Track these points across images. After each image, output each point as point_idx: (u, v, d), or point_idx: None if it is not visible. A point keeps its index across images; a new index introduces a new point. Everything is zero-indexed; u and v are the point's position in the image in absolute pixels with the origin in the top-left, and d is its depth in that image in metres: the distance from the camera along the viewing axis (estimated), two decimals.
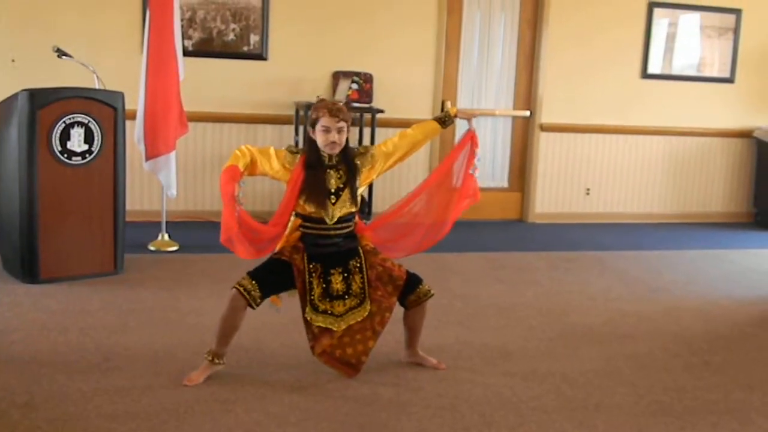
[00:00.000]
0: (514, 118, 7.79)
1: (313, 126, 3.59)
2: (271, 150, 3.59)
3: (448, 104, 7.45)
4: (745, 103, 8.15)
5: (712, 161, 8.24)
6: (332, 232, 3.62)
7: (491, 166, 7.82)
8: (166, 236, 6.01)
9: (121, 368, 3.66)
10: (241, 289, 3.48)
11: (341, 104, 3.67)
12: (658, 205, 8.17)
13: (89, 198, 4.99)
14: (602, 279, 5.76)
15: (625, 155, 7.98)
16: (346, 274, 3.63)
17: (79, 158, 4.91)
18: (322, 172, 3.59)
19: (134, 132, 5.61)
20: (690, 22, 7.96)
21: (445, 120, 3.88)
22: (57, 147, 4.81)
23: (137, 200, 6.54)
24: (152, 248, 5.92)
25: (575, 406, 3.49)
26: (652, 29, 7.82)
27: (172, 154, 5.69)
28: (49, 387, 3.40)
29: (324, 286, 3.61)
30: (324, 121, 3.53)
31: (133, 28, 6.57)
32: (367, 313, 3.62)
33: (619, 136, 7.90)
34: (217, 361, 3.56)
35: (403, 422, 3.25)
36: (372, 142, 6.96)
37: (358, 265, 3.66)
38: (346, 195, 3.62)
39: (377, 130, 6.99)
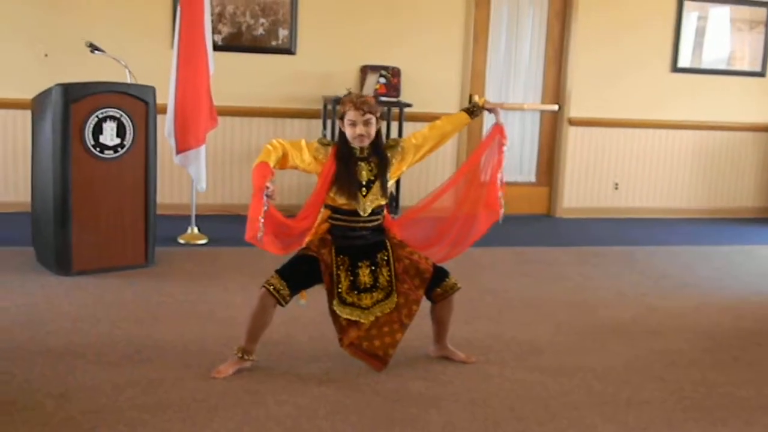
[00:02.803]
0: (543, 112, 7.76)
1: (342, 119, 3.61)
2: (303, 143, 3.61)
3: (476, 98, 7.40)
4: None
5: (743, 155, 8.17)
6: (362, 225, 3.64)
7: (519, 161, 7.80)
8: (195, 229, 6.06)
9: (152, 360, 3.70)
10: (270, 288, 3.51)
11: (369, 97, 3.68)
12: (687, 199, 8.11)
13: (121, 191, 5.05)
14: (631, 274, 5.73)
15: (655, 150, 7.92)
16: (373, 267, 3.65)
17: (111, 152, 4.96)
18: (353, 164, 3.61)
19: (165, 126, 5.66)
20: (720, 15, 7.88)
21: (473, 111, 3.89)
22: (90, 141, 4.87)
23: (167, 194, 6.59)
24: (182, 241, 5.97)
25: (605, 402, 3.48)
26: (682, 22, 7.75)
27: (202, 148, 5.73)
28: (83, 378, 3.45)
29: (351, 278, 3.62)
30: (350, 114, 3.55)
31: (164, 23, 6.63)
32: (394, 306, 3.63)
33: (648, 130, 7.85)
34: (246, 357, 3.59)
35: (432, 416, 3.26)
36: (399, 136, 6.96)
37: (386, 258, 3.67)
38: (376, 187, 3.64)
39: (405, 124, 7.00)
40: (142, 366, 3.62)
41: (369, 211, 3.62)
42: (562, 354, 4.04)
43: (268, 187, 3.32)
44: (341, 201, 3.60)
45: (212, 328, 4.15)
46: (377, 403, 3.37)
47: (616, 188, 7.90)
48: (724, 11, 7.87)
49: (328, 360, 3.78)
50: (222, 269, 5.31)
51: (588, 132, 7.74)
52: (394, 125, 7.03)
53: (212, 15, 6.09)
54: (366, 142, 3.61)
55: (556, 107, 7.56)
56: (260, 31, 6.91)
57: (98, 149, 4.91)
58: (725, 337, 4.44)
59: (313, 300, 3.76)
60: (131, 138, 5.02)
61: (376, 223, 3.68)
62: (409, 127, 7.06)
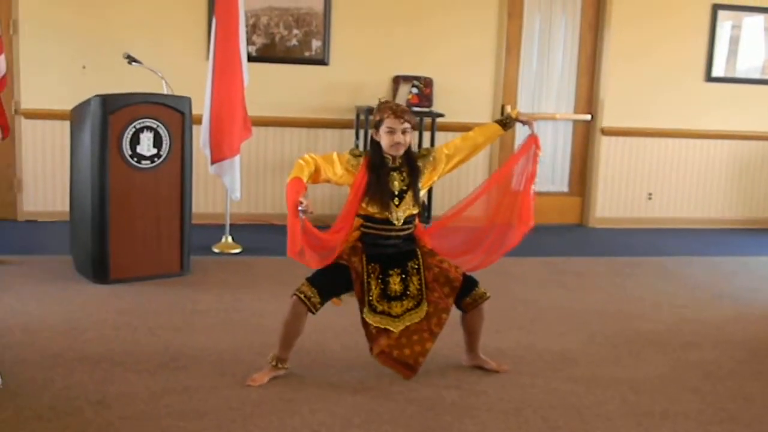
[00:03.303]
0: (575, 122, 7.73)
1: (377, 127, 3.62)
2: (334, 155, 3.62)
3: (508, 108, 7.44)
4: None
5: None
6: (393, 233, 3.65)
7: (551, 171, 7.78)
8: (229, 239, 6.12)
9: (188, 368, 3.74)
10: (302, 296, 3.53)
11: (405, 106, 3.70)
12: (722, 210, 8.03)
13: (157, 201, 5.12)
14: (665, 285, 5.69)
15: (689, 159, 7.86)
16: (404, 276, 3.66)
17: (148, 162, 5.03)
18: (386, 174, 3.62)
19: (200, 136, 5.73)
20: (754, 24, 7.81)
21: (506, 122, 3.90)
22: (127, 151, 4.94)
23: (202, 203, 6.66)
24: (216, 250, 6.03)
25: (640, 413, 3.46)
26: (716, 32, 7.69)
27: (237, 158, 5.79)
28: (121, 385, 3.50)
29: (382, 286, 3.64)
30: (388, 122, 3.56)
31: (200, 35, 6.71)
32: (424, 314, 3.64)
33: (682, 139, 7.79)
34: (280, 365, 3.62)
35: (466, 425, 3.27)
36: (432, 146, 6.98)
37: (416, 266, 3.68)
38: (409, 197, 3.65)
39: (437, 134, 7.02)
40: (178, 373, 3.67)
41: (402, 220, 3.63)
42: (595, 364, 4.03)
43: (301, 202, 3.33)
44: (373, 210, 3.62)
45: (246, 336, 4.18)
46: (411, 411, 3.38)
47: (650, 198, 7.84)
48: (758, 20, 7.81)
49: (362, 369, 3.80)
50: (256, 278, 5.35)
51: (621, 142, 7.70)
52: (426, 135, 7.05)
53: (246, 26, 6.16)
54: (402, 151, 3.62)
55: (588, 117, 7.53)
56: (294, 42, 6.97)
57: (135, 159, 4.98)
58: (762, 348, 4.39)
59: (344, 309, 3.78)
60: (167, 148, 5.09)
61: (407, 231, 3.70)
62: (441, 137, 7.08)
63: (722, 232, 7.77)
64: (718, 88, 7.79)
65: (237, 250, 6.04)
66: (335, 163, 3.60)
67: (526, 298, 5.20)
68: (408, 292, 3.66)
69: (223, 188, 6.10)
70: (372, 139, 3.69)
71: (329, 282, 3.61)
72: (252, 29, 6.81)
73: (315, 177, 3.54)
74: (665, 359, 4.14)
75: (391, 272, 3.65)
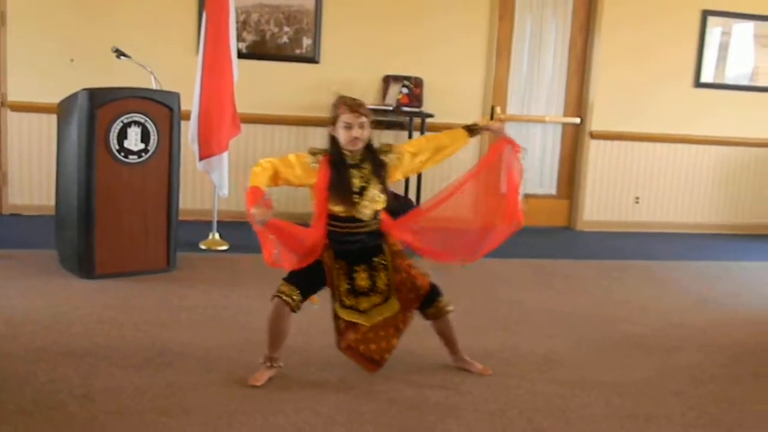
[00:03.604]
0: (564, 125, 7.75)
1: (334, 123, 3.54)
2: (292, 158, 3.54)
3: (498, 110, 7.45)
4: None
5: (765, 172, 8.12)
6: (358, 230, 3.61)
7: (540, 173, 7.79)
8: (217, 235, 6.10)
9: (173, 364, 3.73)
10: (282, 296, 3.52)
11: (360, 100, 3.61)
12: (709, 215, 8.07)
13: (144, 196, 5.10)
14: (651, 289, 5.71)
15: (676, 164, 7.90)
16: (371, 271, 3.65)
17: (136, 157, 5.01)
18: (346, 170, 3.55)
19: (188, 132, 5.71)
20: (744, 30, 7.85)
21: (473, 129, 3.82)
22: (114, 146, 4.92)
23: (189, 199, 6.64)
24: (203, 247, 6.01)
25: (624, 416, 3.47)
26: (705, 38, 7.73)
27: (225, 155, 5.78)
28: (106, 380, 3.48)
29: (349, 282, 3.63)
30: (345, 117, 3.49)
31: (190, 30, 6.69)
32: (397, 309, 3.65)
33: (670, 144, 7.83)
34: (274, 365, 3.62)
35: (450, 426, 3.27)
36: None
37: (384, 262, 3.67)
38: (372, 192, 3.57)
39: (426, 134, 7.01)
40: (163, 369, 3.65)
41: (368, 216, 3.59)
42: (581, 367, 4.04)
43: (255, 214, 3.31)
44: (338, 209, 3.56)
45: (233, 333, 4.17)
46: (394, 411, 3.38)
47: (637, 202, 7.87)
48: (748, 27, 7.85)
49: (345, 368, 3.79)
50: (243, 275, 5.34)
51: (609, 146, 7.73)
52: (417, 135, 7.04)
53: (237, 23, 6.15)
54: (360, 146, 3.54)
55: (577, 120, 7.56)
56: (284, 39, 6.96)
57: (122, 154, 4.96)
58: (746, 352, 4.41)
59: (328, 307, 3.77)
60: (155, 143, 5.07)
61: (373, 227, 3.65)
62: None
63: (708, 237, 7.81)
64: (707, 94, 7.82)
65: (224, 247, 6.03)
66: (294, 166, 3.53)
67: (512, 299, 5.21)
68: (375, 288, 3.65)
69: (211, 185, 6.08)
70: (330, 135, 3.59)
71: (307, 278, 3.59)
72: (242, 26, 6.79)
73: (274, 180, 3.49)
74: (650, 363, 4.16)
75: (357, 269, 3.63)
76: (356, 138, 3.51)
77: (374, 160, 3.61)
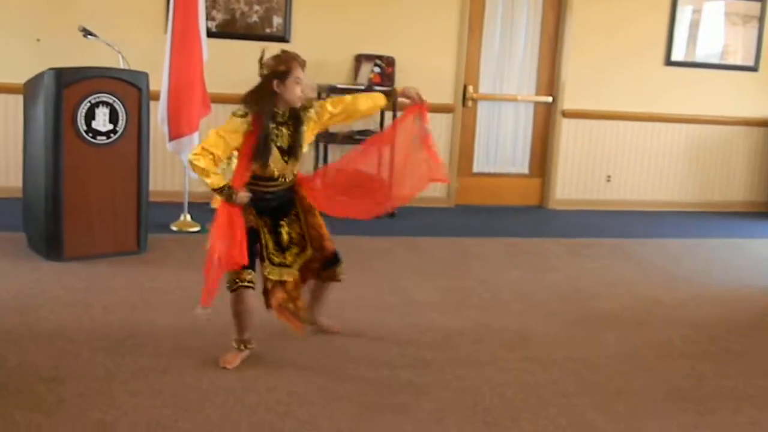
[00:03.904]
0: (537, 103, 7.76)
1: (282, 78, 3.42)
2: (220, 131, 3.41)
3: (470, 89, 7.45)
4: None
5: (734, 150, 8.19)
6: (279, 187, 3.59)
7: (512, 152, 7.81)
8: (188, 217, 6.05)
9: (144, 346, 3.70)
10: (243, 283, 3.48)
11: None
12: (679, 193, 8.13)
13: (113, 177, 5.04)
14: (622, 266, 5.76)
15: (647, 143, 7.94)
16: (290, 225, 3.67)
17: (104, 138, 4.95)
18: (276, 128, 3.49)
19: (158, 112, 5.64)
20: (714, 9, 7.89)
21: (390, 94, 3.86)
22: (82, 126, 4.85)
23: (160, 181, 6.57)
24: (174, 228, 5.97)
25: (595, 391, 3.50)
26: (676, 16, 7.76)
27: (195, 135, 5.72)
28: (75, 362, 3.46)
29: (275, 238, 3.62)
30: (298, 72, 3.43)
31: (158, 9, 6.61)
32: (311, 254, 3.70)
33: (641, 123, 7.87)
34: (248, 346, 3.61)
35: (423, 403, 3.28)
36: None
37: (296, 213, 3.69)
38: (297, 149, 3.55)
39: (399, 114, 6.99)
40: (134, 351, 3.63)
41: (291, 175, 3.60)
42: (552, 344, 4.06)
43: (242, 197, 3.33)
44: (266, 168, 3.49)
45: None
46: (368, 390, 3.38)
47: (609, 180, 7.92)
48: (719, 5, 7.88)
49: (320, 348, 3.80)
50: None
51: (581, 124, 7.75)
52: (388, 115, 7.02)
53: (206, 1, 6.07)
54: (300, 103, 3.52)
55: (549, 99, 7.57)
56: (254, 18, 6.89)
57: (90, 135, 4.90)
58: (714, 328, 4.47)
59: (305, 283, 3.76)
60: (124, 124, 5.01)
61: (289, 183, 3.64)
62: None
63: (679, 215, 7.88)
64: (677, 72, 7.86)
65: (196, 229, 5.98)
66: (225, 138, 3.40)
67: (485, 278, 5.23)
68: (293, 239, 3.67)
69: (182, 166, 6.03)
70: (270, 91, 3.44)
71: (249, 252, 3.50)
72: (212, 4, 6.71)
73: (217, 163, 3.43)
74: (620, 339, 4.20)
75: (281, 223, 3.64)
76: (303, 94, 3.49)
77: (296, 117, 3.55)
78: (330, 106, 3.66)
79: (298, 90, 3.45)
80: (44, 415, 2.98)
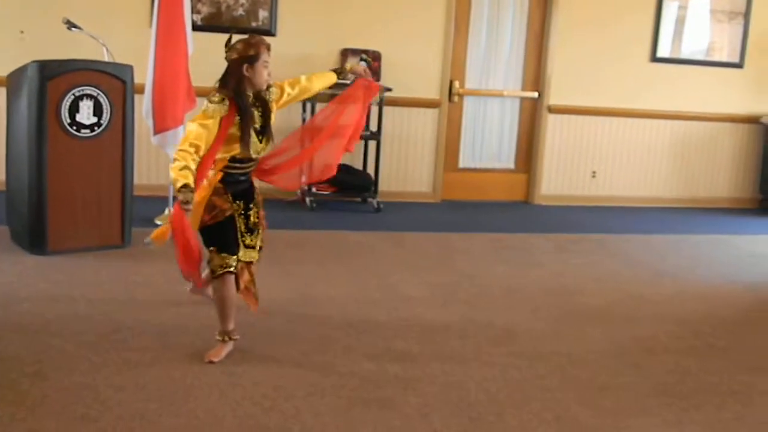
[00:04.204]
0: (522, 99, 7.77)
1: (252, 62, 3.47)
2: (200, 121, 3.39)
3: (456, 84, 7.44)
4: (753, 88, 8.13)
5: (720, 146, 8.23)
6: (249, 169, 3.66)
7: (498, 148, 7.81)
8: (172, 210, 6.01)
9: (128, 340, 3.68)
10: (229, 269, 3.52)
11: None
12: (664, 189, 8.17)
13: (97, 171, 5.00)
14: (607, 262, 5.77)
15: (633, 139, 7.97)
16: (255, 207, 3.71)
17: (88, 131, 4.91)
18: (250, 111, 3.52)
19: (142, 106, 5.61)
20: (700, 5, 7.91)
21: (340, 72, 4.02)
22: (66, 119, 4.82)
23: (144, 174, 6.53)
24: (159, 222, 5.92)
25: (580, 386, 3.51)
26: (662, 12, 7.78)
27: (180, 129, 5.66)
28: (58, 357, 3.43)
29: (245, 221, 3.65)
30: (266, 56, 3.51)
31: (143, 1, 6.57)
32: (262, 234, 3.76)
33: (626, 119, 7.89)
34: (232, 337, 3.60)
35: (408, 398, 3.28)
36: (379, 120, 6.96)
37: (257, 196, 3.75)
38: (267, 131, 3.60)
39: (384, 108, 6.99)
40: (118, 345, 3.60)
41: (262, 155, 3.66)
42: (537, 339, 4.07)
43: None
44: (246, 150, 3.50)
45: (189, 308, 4.12)
46: (354, 384, 3.37)
47: (594, 176, 7.94)
48: (704, 2, 7.91)
49: (305, 341, 3.79)
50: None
51: (567, 120, 7.77)
52: (375, 109, 7.01)
53: None
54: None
55: (535, 94, 7.58)
56: (240, 11, 6.86)
57: (74, 128, 4.86)
58: (699, 324, 4.49)
59: (288, 280, 3.76)
60: (108, 117, 4.97)
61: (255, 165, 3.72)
62: (389, 112, 7.07)
63: (663, 211, 7.91)
64: (663, 69, 7.89)
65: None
66: (207, 127, 3.38)
67: (470, 273, 5.23)
68: (257, 221, 3.73)
69: (166, 159, 5.98)
70: (240, 75, 3.46)
71: (227, 238, 3.55)
72: None
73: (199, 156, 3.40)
74: (605, 334, 4.21)
75: (251, 206, 3.68)
76: (269, 78, 3.56)
77: (262, 98, 3.60)
78: (288, 87, 3.77)
79: (265, 73, 3.52)
80: (28, 409, 2.96)
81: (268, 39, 6.35)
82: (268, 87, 3.63)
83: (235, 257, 3.55)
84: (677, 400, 3.45)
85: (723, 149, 8.24)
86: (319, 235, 6.00)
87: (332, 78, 3.97)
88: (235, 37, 3.57)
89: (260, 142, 3.56)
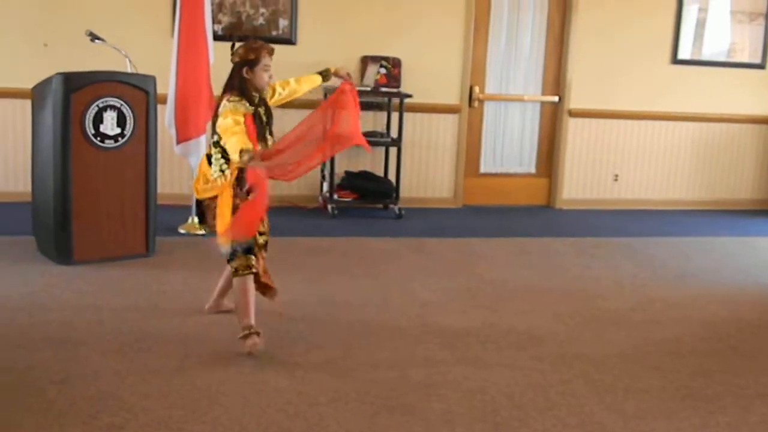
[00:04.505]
0: (543, 103, 7.76)
1: (252, 66, 3.70)
2: (238, 116, 3.61)
3: (477, 89, 7.45)
4: None
5: (742, 148, 8.17)
6: None
7: (519, 152, 7.80)
8: (195, 219, 6.06)
9: (153, 348, 3.72)
10: (251, 270, 3.73)
11: None
12: (686, 191, 8.11)
13: (121, 181, 5.05)
14: (630, 265, 5.74)
15: (654, 141, 7.93)
16: None
17: (112, 141, 4.97)
18: (258, 111, 3.76)
19: (165, 116, 5.66)
20: (720, 7, 7.86)
21: (325, 75, 4.25)
22: (90, 130, 4.87)
23: (167, 183, 6.58)
24: (182, 231, 5.98)
25: (604, 390, 3.50)
26: (682, 14, 7.74)
27: (203, 138, 5.73)
28: (85, 365, 3.47)
29: None
30: (266, 60, 3.73)
31: (165, 12, 6.63)
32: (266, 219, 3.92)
33: (648, 122, 7.85)
34: (252, 331, 3.69)
35: (432, 404, 3.28)
36: (400, 126, 6.98)
37: None
38: (272, 127, 3.86)
39: (405, 114, 7.01)
40: (143, 354, 3.64)
41: None
42: (560, 343, 4.06)
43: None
44: (263, 144, 3.75)
45: (212, 317, 4.16)
46: (377, 390, 3.39)
47: (616, 180, 7.91)
48: (725, 3, 7.86)
49: (328, 348, 3.81)
50: (221, 259, 5.30)
51: (588, 123, 7.74)
52: (395, 116, 7.03)
53: (212, 5, 6.09)
54: None
55: (556, 99, 7.56)
56: (260, 21, 6.91)
57: (99, 138, 4.91)
58: (723, 327, 4.46)
59: (312, 289, 3.78)
60: (131, 127, 5.03)
61: None
62: (409, 118, 7.08)
63: (686, 213, 7.86)
64: (684, 71, 7.85)
65: (203, 232, 5.99)
66: (240, 123, 3.61)
67: (493, 277, 5.23)
68: None
69: (189, 168, 6.04)
70: (244, 79, 3.72)
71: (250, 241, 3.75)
72: (218, 8, 6.73)
73: None
74: (628, 338, 4.19)
75: None
76: (270, 80, 3.79)
77: (263, 100, 3.83)
78: (279, 87, 4.03)
79: (266, 76, 3.76)
80: (54, 418, 3.00)
81: (288, 48, 6.46)
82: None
83: (252, 257, 3.73)
84: (703, 403, 3.43)
85: (745, 150, 8.17)
86: (341, 241, 6.02)
87: (318, 80, 4.22)
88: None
89: (266, 138, 3.78)
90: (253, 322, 3.70)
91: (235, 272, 3.73)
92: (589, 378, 3.63)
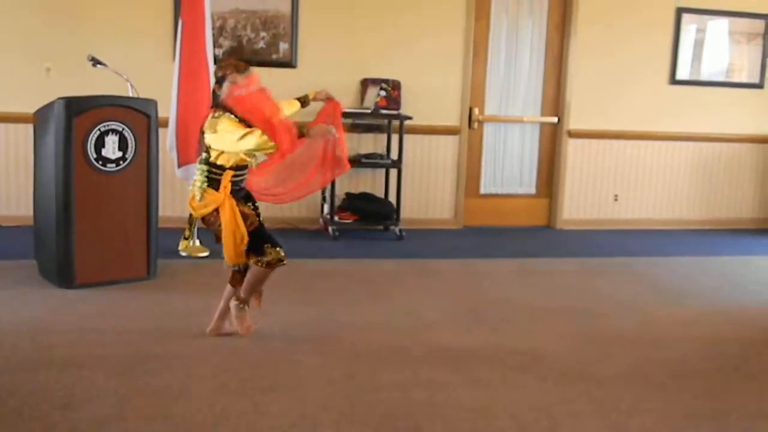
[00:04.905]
0: (542, 124, 7.79)
1: (220, 83, 3.94)
2: (234, 125, 3.85)
3: (476, 111, 7.49)
4: None
5: (741, 167, 8.19)
6: (245, 176, 4.07)
7: (519, 173, 7.83)
8: (197, 242, 6.08)
9: (156, 371, 3.71)
10: (278, 263, 3.95)
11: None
12: (686, 211, 8.13)
13: (123, 204, 5.07)
14: (631, 284, 5.75)
15: (654, 161, 7.96)
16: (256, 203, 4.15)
17: (114, 165, 4.99)
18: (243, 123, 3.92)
19: (166, 139, 5.69)
20: (718, 27, 7.92)
21: (304, 101, 4.42)
22: (92, 154, 4.89)
23: (169, 206, 6.60)
24: (184, 254, 5.99)
25: (607, 410, 3.49)
26: (680, 35, 7.79)
27: None
28: (88, 389, 3.47)
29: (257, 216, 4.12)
30: (233, 77, 3.91)
31: (166, 37, 6.67)
32: None
33: (647, 142, 7.88)
34: (248, 305, 4.07)
35: (434, 424, 3.27)
36: (400, 148, 7.00)
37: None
38: None
39: (405, 136, 7.03)
40: (146, 376, 3.64)
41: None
42: (564, 363, 4.06)
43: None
44: (246, 158, 3.96)
45: (214, 340, 4.16)
46: (381, 411, 3.38)
47: (616, 200, 7.92)
48: (723, 23, 7.92)
49: (331, 369, 3.80)
50: (224, 282, 5.24)
51: (587, 144, 7.77)
52: (395, 138, 7.06)
53: (213, 29, 6.13)
54: None
55: (555, 119, 7.60)
56: (261, 44, 6.95)
57: (100, 162, 4.93)
58: (726, 346, 4.46)
59: (314, 311, 3.78)
60: (133, 151, 5.05)
61: None
62: (409, 140, 7.11)
63: (686, 233, 7.87)
64: (683, 91, 7.89)
65: (205, 254, 6.00)
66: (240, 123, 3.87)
67: (495, 297, 5.23)
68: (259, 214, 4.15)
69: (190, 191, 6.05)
70: (215, 94, 3.98)
71: (270, 234, 4.03)
72: (219, 31, 6.78)
73: None
74: (631, 357, 4.19)
75: (257, 205, 4.13)
76: None
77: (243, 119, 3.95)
78: None
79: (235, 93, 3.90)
80: None
81: (288, 71, 6.52)
82: None
83: (282, 250, 3.95)
84: (706, 421, 3.43)
85: (745, 170, 8.20)
86: (342, 263, 6.03)
87: (297, 106, 4.38)
88: None
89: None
90: (249, 297, 4.04)
91: (269, 265, 3.93)
92: (592, 398, 3.62)
